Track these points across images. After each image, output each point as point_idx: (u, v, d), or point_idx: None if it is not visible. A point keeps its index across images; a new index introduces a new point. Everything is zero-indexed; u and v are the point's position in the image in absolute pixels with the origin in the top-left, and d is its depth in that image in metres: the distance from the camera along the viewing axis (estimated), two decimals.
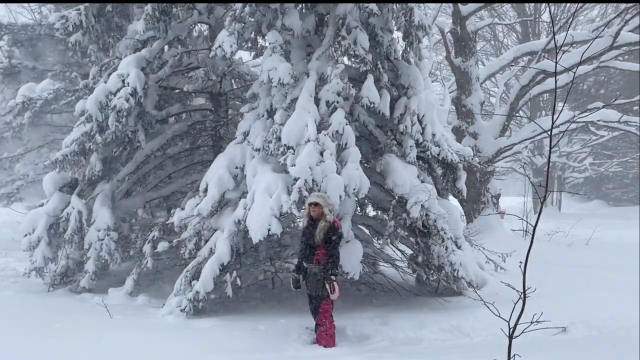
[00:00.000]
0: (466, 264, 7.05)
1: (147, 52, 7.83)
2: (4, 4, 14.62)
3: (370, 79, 6.74)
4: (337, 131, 6.37)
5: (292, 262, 7.86)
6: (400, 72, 7.41)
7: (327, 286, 5.16)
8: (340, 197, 6.02)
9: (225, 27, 6.74)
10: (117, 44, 8.29)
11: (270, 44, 6.66)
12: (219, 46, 6.55)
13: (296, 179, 6.05)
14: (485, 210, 13.32)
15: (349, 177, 6.24)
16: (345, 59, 6.94)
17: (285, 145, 6.31)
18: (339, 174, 6.18)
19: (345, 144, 6.49)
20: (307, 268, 5.38)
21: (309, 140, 6.13)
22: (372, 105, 6.69)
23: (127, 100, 7.25)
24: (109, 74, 8.00)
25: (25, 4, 14.48)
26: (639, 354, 4.09)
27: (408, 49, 7.32)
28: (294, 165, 6.07)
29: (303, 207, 6.08)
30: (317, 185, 6.01)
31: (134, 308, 6.90)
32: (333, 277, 5.18)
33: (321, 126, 6.48)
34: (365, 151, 7.37)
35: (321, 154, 6.15)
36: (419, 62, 7.63)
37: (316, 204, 5.37)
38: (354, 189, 6.29)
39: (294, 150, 6.27)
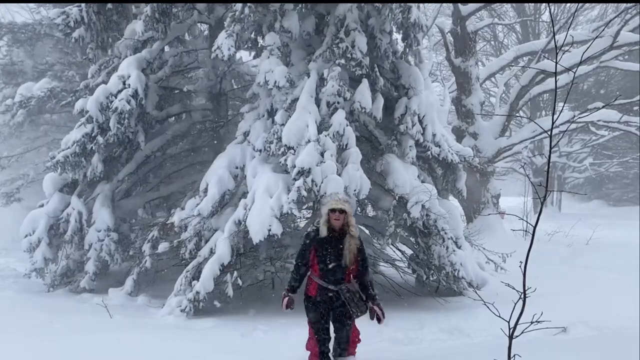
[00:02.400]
0: (466, 264, 7.07)
1: (147, 53, 7.82)
2: (3, 3, 14.61)
3: (364, 83, 6.75)
4: (337, 132, 6.37)
5: (292, 263, 7.83)
6: (401, 73, 7.42)
7: (378, 310, 4.16)
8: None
9: (225, 28, 6.74)
10: (117, 43, 8.29)
11: (267, 46, 6.67)
12: (218, 47, 6.56)
13: (295, 179, 6.05)
14: (485, 210, 13.34)
15: (350, 178, 6.24)
16: (343, 60, 6.94)
17: (286, 145, 6.31)
18: (339, 174, 6.18)
19: (346, 145, 6.49)
20: (336, 290, 4.17)
21: (309, 141, 6.14)
22: (363, 110, 6.71)
23: (129, 102, 7.25)
24: (108, 74, 8.00)
25: (25, 4, 14.49)
26: (639, 354, 4.09)
27: (407, 50, 7.33)
28: (294, 166, 6.08)
29: (306, 206, 6.04)
30: (316, 186, 6.00)
31: (134, 308, 6.90)
32: (378, 299, 4.25)
33: (322, 127, 6.48)
34: (365, 151, 7.38)
35: (322, 154, 6.16)
36: (418, 63, 7.64)
37: (341, 211, 4.09)
38: (355, 190, 6.29)
39: (295, 151, 6.27)
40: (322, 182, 6.04)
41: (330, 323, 4.35)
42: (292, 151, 6.29)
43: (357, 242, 4.15)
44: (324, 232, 4.12)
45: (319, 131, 6.34)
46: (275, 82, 6.49)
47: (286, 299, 4.29)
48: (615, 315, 5.98)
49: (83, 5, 7.75)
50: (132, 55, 7.75)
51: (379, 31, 7.03)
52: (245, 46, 7.26)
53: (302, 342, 5.51)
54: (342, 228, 4.13)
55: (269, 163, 6.72)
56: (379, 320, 4.21)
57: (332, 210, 4.09)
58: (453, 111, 15.35)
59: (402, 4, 6.82)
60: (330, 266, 4.13)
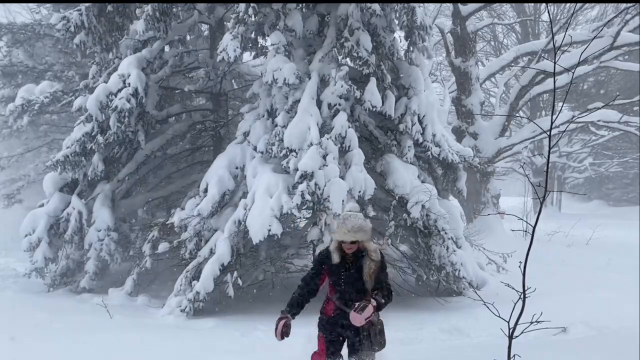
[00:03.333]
0: (467, 263, 7.08)
1: (148, 52, 7.83)
2: (3, 3, 14.60)
3: (372, 81, 6.74)
4: (339, 134, 6.39)
5: (292, 263, 7.83)
6: (401, 73, 7.43)
7: (370, 308, 3.29)
8: (343, 201, 6.03)
9: (228, 29, 6.73)
10: (119, 42, 8.28)
11: (273, 44, 6.65)
12: (223, 49, 6.53)
13: (299, 182, 6.04)
14: (485, 210, 13.34)
15: (354, 180, 6.25)
16: (348, 60, 6.94)
17: (287, 148, 6.32)
18: (343, 177, 6.19)
19: (349, 147, 6.51)
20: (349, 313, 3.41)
21: (311, 144, 6.14)
22: (374, 109, 6.70)
23: (129, 101, 7.25)
24: (109, 74, 8.00)
25: (25, 4, 14.47)
26: (639, 354, 4.09)
27: (411, 48, 7.32)
28: (297, 169, 6.09)
29: (305, 207, 6.04)
30: (319, 190, 6.01)
31: (134, 308, 6.90)
32: (374, 302, 3.35)
33: (324, 129, 6.48)
34: (365, 151, 7.38)
35: (324, 157, 6.16)
36: (420, 62, 7.63)
37: (353, 242, 3.44)
38: (360, 192, 6.30)
39: (297, 154, 6.28)
40: (325, 186, 6.04)
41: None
42: (294, 154, 6.30)
43: (378, 263, 3.52)
44: (335, 259, 3.53)
45: (321, 134, 6.34)
46: (285, 79, 6.46)
47: (282, 322, 3.52)
48: (615, 315, 5.98)
49: (83, 9, 7.70)
50: (132, 55, 7.75)
51: (382, 29, 7.03)
52: (247, 46, 7.25)
53: (302, 341, 5.51)
54: (358, 250, 3.52)
55: (269, 163, 6.72)
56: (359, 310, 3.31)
57: (342, 242, 3.46)
58: (453, 111, 15.35)
59: (406, 6, 6.83)
60: (346, 290, 3.57)
